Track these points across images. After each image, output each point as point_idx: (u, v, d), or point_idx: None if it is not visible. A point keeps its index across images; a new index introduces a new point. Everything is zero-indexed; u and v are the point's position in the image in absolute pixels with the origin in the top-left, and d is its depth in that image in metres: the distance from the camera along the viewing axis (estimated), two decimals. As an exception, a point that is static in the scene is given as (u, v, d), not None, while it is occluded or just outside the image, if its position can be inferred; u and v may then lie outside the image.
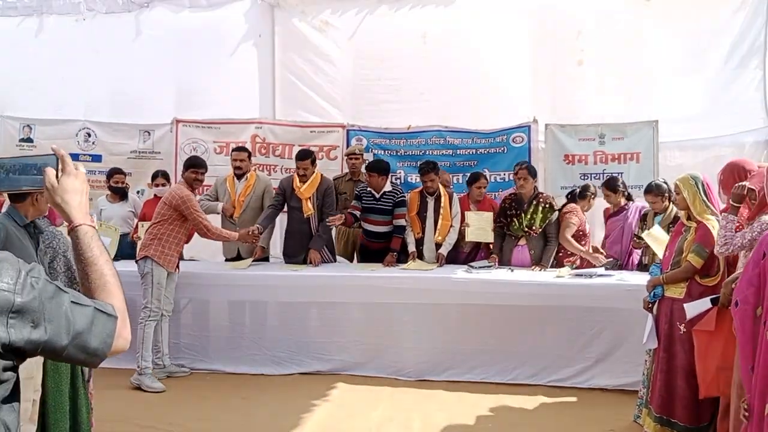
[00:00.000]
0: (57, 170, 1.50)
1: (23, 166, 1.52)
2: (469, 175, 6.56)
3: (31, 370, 3.31)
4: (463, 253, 6.20)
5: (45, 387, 3.64)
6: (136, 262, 5.32)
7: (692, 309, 3.80)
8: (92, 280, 1.45)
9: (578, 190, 6.28)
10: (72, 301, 1.33)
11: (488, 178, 6.88)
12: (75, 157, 7.70)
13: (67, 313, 1.31)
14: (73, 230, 1.49)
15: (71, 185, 1.51)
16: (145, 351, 5.18)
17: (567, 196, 6.27)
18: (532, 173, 5.92)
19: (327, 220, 5.89)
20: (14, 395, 1.34)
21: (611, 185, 5.97)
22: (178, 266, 5.44)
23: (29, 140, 7.91)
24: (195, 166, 5.50)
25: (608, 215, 6.13)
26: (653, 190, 5.41)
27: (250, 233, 5.70)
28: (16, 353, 1.28)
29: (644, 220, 5.60)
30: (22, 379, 3.07)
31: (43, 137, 7.89)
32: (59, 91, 8.03)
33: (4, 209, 3.45)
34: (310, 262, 5.90)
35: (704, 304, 3.74)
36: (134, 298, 5.60)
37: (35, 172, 1.51)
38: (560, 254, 6.00)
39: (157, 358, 5.38)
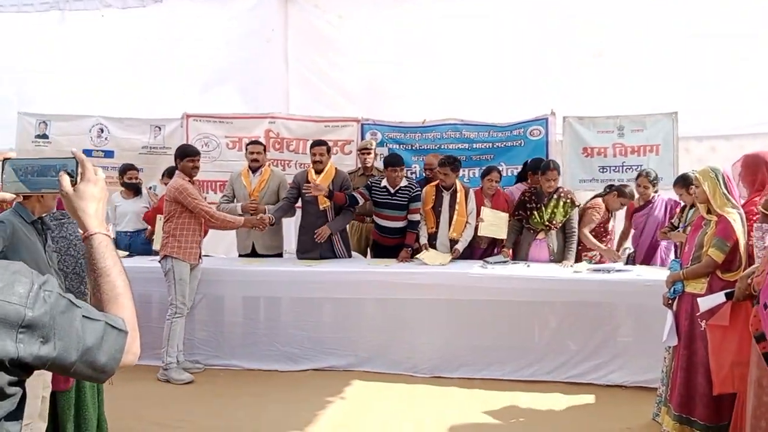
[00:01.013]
0: (76, 174, 1.45)
1: (42, 168, 1.47)
2: (484, 169, 6.46)
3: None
4: (480, 249, 6.11)
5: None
6: (159, 262, 5.37)
7: (705, 303, 3.71)
8: (104, 291, 1.41)
9: (615, 186, 6.08)
10: (83, 316, 1.29)
11: (504, 171, 6.79)
12: (88, 153, 7.76)
13: (77, 328, 1.26)
14: (87, 239, 1.44)
15: (89, 192, 1.46)
16: (170, 347, 5.23)
17: (606, 189, 6.10)
18: (559, 170, 5.90)
19: (303, 187, 5.88)
20: (19, 410, 1.29)
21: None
22: (200, 257, 5.46)
23: (45, 136, 7.92)
24: (189, 154, 5.48)
25: (632, 210, 6.01)
26: (679, 182, 5.33)
27: (260, 218, 5.69)
28: (23, 368, 1.23)
29: (682, 211, 5.48)
30: (32, 375, 3.07)
31: (58, 133, 7.89)
32: (74, 86, 8.04)
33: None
34: (317, 237, 5.86)
35: (718, 298, 3.64)
36: (150, 293, 5.65)
37: (53, 175, 1.45)
38: (579, 248, 5.91)
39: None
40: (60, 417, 3.70)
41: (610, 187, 6.02)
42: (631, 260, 5.89)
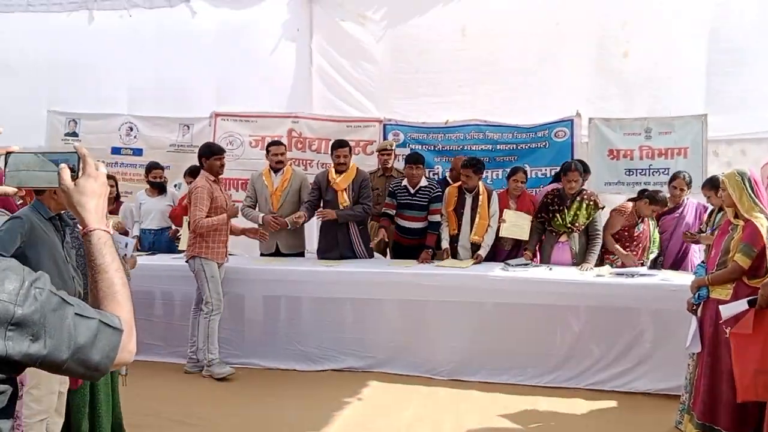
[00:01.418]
0: (78, 169, 1.44)
1: (44, 162, 1.46)
2: (510, 170, 6.40)
3: (58, 362, 3.32)
4: (503, 251, 6.05)
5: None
6: (187, 262, 5.39)
7: (728, 310, 3.62)
8: (101, 288, 1.39)
9: (647, 192, 5.91)
10: (76, 314, 1.27)
11: (528, 173, 6.71)
12: (117, 150, 7.89)
13: (69, 326, 1.25)
14: (86, 235, 1.43)
15: (89, 187, 1.44)
16: (212, 345, 5.26)
17: (639, 194, 5.95)
18: (586, 171, 5.80)
19: (317, 211, 5.93)
20: (10, 407, 1.28)
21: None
22: (227, 256, 5.49)
23: (74, 134, 8.05)
24: (216, 152, 5.47)
25: (660, 213, 5.90)
26: (707, 184, 5.26)
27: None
28: (13, 366, 1.22)
29: (710, 215, 5.38)
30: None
31: (87, 131, 8.02)
32: (103, 85, 8.14)
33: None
34: (320, 215, 5.93)
35: (740, 305, 3.56)
36: (172, 291, 5.70)
37: (54, 170, 1.44)
38: (603, 251, 5.82)
39: (191, 352, 5.41)
40: (74, 415, 3.73)
41: (644, 191, 5.88)
42: (659, 265, 5.77)
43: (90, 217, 1.43)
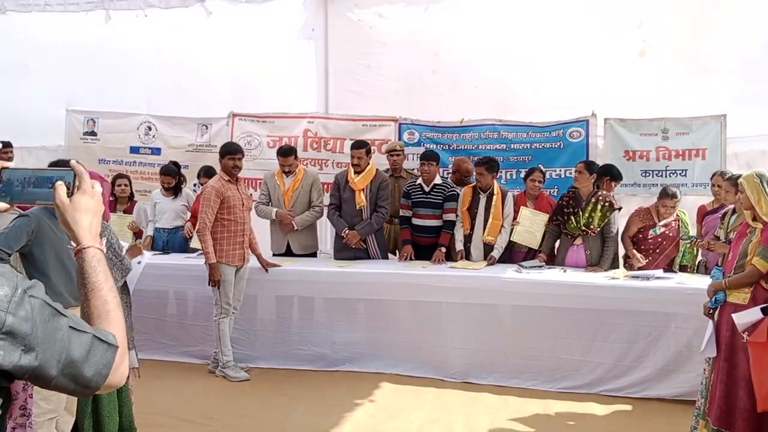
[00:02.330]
0: (73, 186, 1.43)
1: (38, 179, 1.46)
2: (525, 170, 6.38)
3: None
4: (521, 253, 6.00)
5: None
6: (205, 264, 5.31)
7: (742, 319, 3.54)
8: (94, 306, 1.36)
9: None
10: (70, 327, 1.24)
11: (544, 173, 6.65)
12: (136, 150, 7.95)
13: (63, 339, 1.22)
14: (79, 252, 1.40)
15: (84, 204, 1.42)
16: (224, 347, 5.27)
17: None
18: (590, 168, 5.68)
19: (343, 232, 5.94)
20: (2, 419, 1.26)
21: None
22: (246, 258, 5.43)
23: (93, 133, 8.13)
24: (231, 152, 5.37)
25: (703, 213, 5.78)
26: (716, 174, 5.25)
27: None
28: (3, 376, 1.19)
29: (723, 219, 5.28)
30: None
31: (106, 131, 8.10)
32: (122, 84, 8.20)
33: None
34: (345, 240, 5.92)
35: (754, 313, 3.48)
36: (185, 291, 5.73)
37: (50, 186, 1.43)
38: (624, 254, 5.75)
39: (215, 351, 5.38)
40: (78, 415, 3.77)
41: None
42: (702, 268, 5.63)
43: (84, 234, 1.41)
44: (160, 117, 8.00)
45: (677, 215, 5.70)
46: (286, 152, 6.05)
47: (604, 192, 5.74)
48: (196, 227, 5.34)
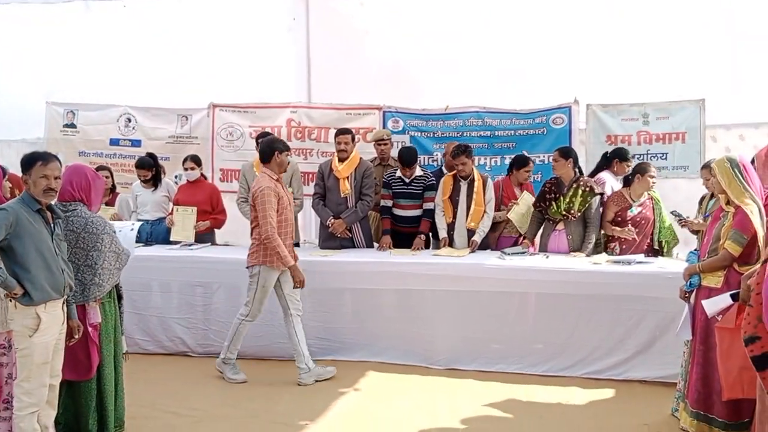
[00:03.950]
0: None
1: None
2: (513, 157, 6.44)
3: (48, 354, 3.35)
4: (509, 239, 6.06)
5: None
6: (247, 267, 5.08)
7: (711, 306, 3.59)
8: None
9: (634, 170, 5.82)
10: None
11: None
12: (116, 142, 7.90)
13: None
14: None
15: None
16: (233, 346, 5.06)
17: (626, 179, 5.90)
18: (564, 155, 5.72)
19: (329, 222, 5.92)
20: None
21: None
22: (295, 256, 5.09)
23: (73, 126, 8.05)
24: (287, 149, 5.06)
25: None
26: (706, 168, 5.23)
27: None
28: None
29: (701, 203, 5.33)
30: (38, 364, 3.13)
31: (86, 122, 8.02)
32: (102, 76, 8.13)
33: None
34: (330, 228, 5.89)
35: (724, 300, 3.52)
36: (170, 282, 5.69)
37: None
38: (605, 240, 5.79)
39: (299, 362, 5.03)
40: (82, 407, 3.77)
41: (627, 178, 5.82)
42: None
43: None
44: (140, 108, 7.93)
45: (650, 194, 5.75)
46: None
47: (586, 178, 5.78)
48: (263, 235, 4.87)
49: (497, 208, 6.03)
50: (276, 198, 4.89)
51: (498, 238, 6.12)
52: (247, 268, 5.07)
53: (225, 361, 5.11)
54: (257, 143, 6.15)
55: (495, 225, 6.04)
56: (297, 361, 5.02)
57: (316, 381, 5.00)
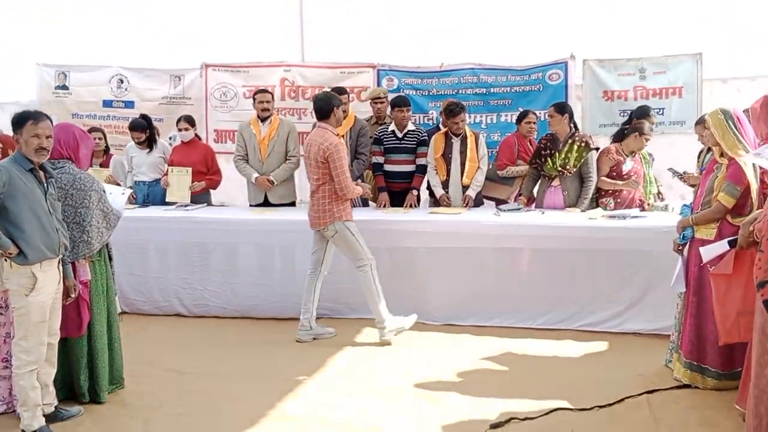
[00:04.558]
0: None
1: None
2: (519, 113, 6.46)
3: (45, 313, 3.37)
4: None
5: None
6: (320, 230, 4.96)
7: (708, 252, 3.61)
8: None
9: (631, 127, 5.79)
10: None
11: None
12: (109, 103, 7.85)
13: None
14: None
15: None
16: (379, 300, 4.90)
17: (616, 136, 5.93)
18: (560, 110, 5.68)
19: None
20: None
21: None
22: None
23: (65, 87, 7.98)
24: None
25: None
26: (700, 123, 5.20)
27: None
28: None
29: (699, 156, 5.30)
30: (35, 322, 3.15)
31: (78, 84, 7.95)
32: (93, 37, 8.04)
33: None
34: None
35: (721, 246, 3.53)
36: (166, 243, 5.69)
37: None
38: (597, 195, 5.78)
39: (304, 318, 5.05)
40: (74, 364, 3.81)
41: (622, 131, 5.80)
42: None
43: None
44: (132, 69, 7.86)
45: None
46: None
47: (581, 133, 5.76)
48: (342, 189, 4.83)
49: (514, 164, 6.09)
50: (345, 154, 4.89)
51: (516, 194, 6.16)
52: (318, 230, 4.98)
53: (382, 326, 4.92)
54: (254, 99, 6.17)
55: (512, 180, 6.07)
56: (302, 317, 5.00)
57: (314, 339, 5.04)
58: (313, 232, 5.09)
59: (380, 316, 4.89)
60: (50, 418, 3.51)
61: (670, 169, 5.62)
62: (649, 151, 5.85)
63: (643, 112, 6.08)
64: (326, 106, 4.92)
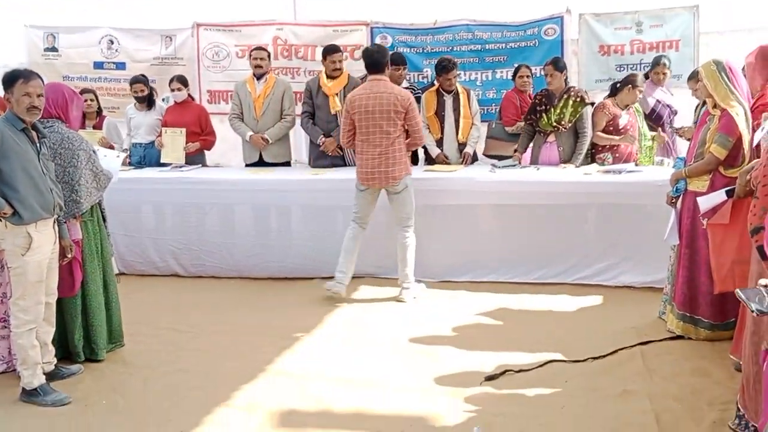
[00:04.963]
0: None
1: None
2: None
3: (41, 273, 3.38)
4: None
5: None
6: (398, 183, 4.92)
7: (706, 202, 3.62)
8: None
9: (624, 80, 5.71)
10: None
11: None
12: (100, 65, 7.75)
13: None
14: None
15: None
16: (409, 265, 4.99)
17: (613, 87, 5.83)
18: (560, 68, 5.62)
19: (319, 141, 5.84)
20: None
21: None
22: None
23: (54, 49, 7.87)
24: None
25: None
26: (693, 76, 5.18)
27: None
28: None
29: (696, 110, 5.25)
30: (32, 282, 3.17)
31: (67, 45, 7.84)
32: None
33: None
34: (321, 147, 5.85)
35: (718, 196, 3.55)
36: (162, 203, 5.70)
37: None
38: (593, 151, 5.77)
39: (341, 272, 5.03)
40: (68, 323, 3.84)
41: (616, 84, 5.76)
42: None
43: None
44: (122, 30, 7.74)
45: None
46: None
47: (576, 87, 5.72)
48: (419, 142, 5.07)
49: (520, 119, 6.05)
50: None
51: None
52: (387, 186, 4.95)
53: (407, 286, 5.01)
54: (250, 55, 6.13)
55: (518, 136, 6.02)
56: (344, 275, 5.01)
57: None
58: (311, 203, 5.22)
59: (409, 278, 4.98)
60: (50, 376, 3.55)
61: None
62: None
63: (656, 61, 6.10)
64: (383, 58, 4.91)
